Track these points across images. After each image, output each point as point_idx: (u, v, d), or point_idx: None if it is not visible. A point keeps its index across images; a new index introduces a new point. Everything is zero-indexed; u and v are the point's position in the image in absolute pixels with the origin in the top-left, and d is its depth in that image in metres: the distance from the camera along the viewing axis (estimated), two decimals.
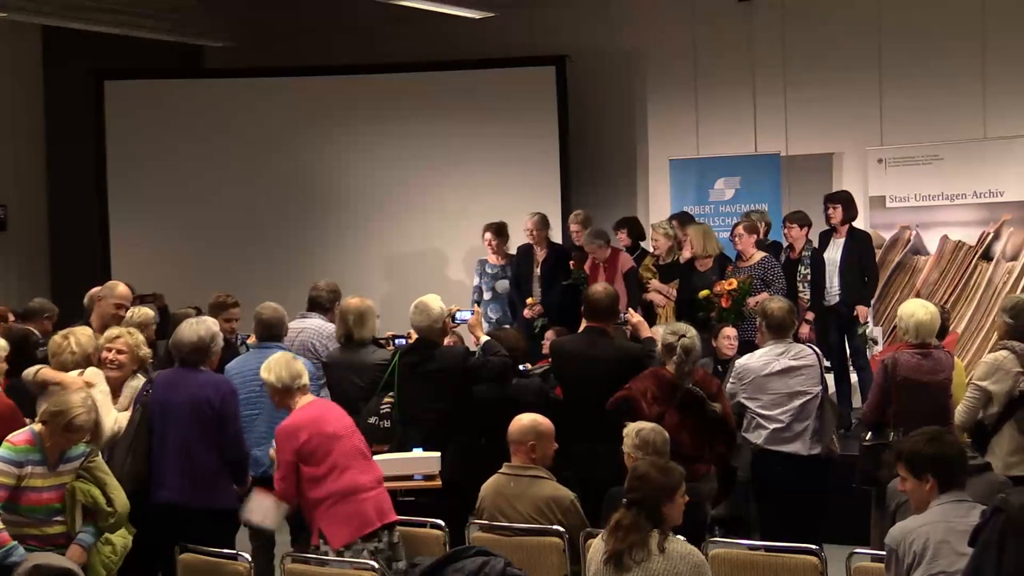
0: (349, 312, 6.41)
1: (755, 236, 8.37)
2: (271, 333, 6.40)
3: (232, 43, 11.88)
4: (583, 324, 6.35)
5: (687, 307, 8.31)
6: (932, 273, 9.61)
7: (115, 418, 5.61)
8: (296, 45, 11.81)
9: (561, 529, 5.20)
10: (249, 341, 6.83)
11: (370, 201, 11.32)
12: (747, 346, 7.49)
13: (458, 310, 6.75)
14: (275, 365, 5.41)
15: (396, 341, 6.76)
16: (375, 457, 5.80)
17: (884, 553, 4.21)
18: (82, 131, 11.23)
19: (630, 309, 7.37)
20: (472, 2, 10.42)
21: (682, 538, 4.30)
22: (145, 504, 5.40)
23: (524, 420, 5.46)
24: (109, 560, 5.24)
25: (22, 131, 11.31)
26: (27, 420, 5.54)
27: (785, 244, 8.78)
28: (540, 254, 9.36)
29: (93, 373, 5.73)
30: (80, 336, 5.86)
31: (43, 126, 11.52)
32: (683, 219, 9.35)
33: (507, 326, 8.68)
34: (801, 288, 8.42)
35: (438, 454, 5.85)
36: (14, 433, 5.17)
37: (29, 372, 5.79)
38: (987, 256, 9.43)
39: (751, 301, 7.87)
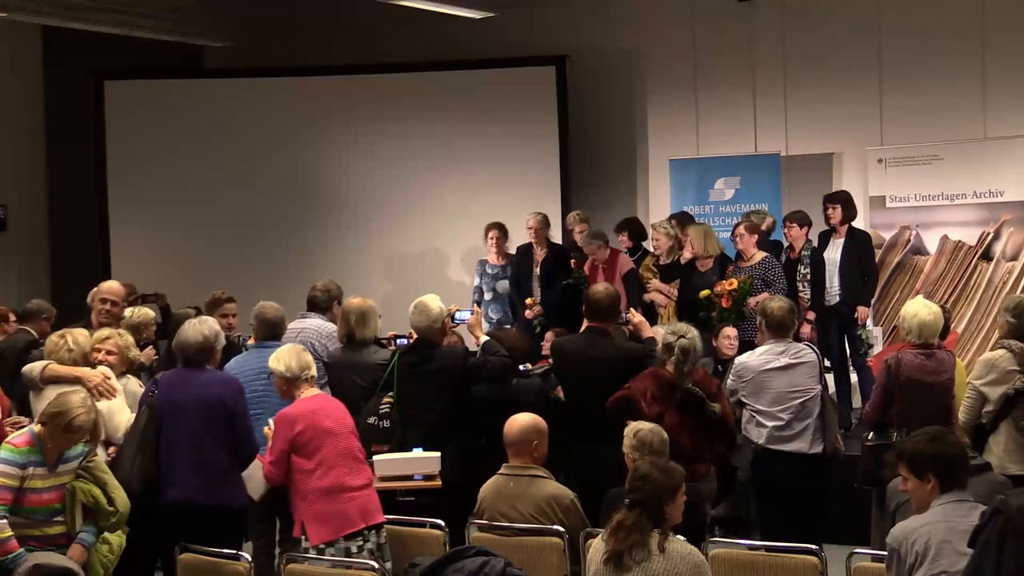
0: (351, 312, 6.41)
1: (756, 236, 8.37)
2: (274, 332, 6.43)
3: (232, 43, 11.88)
4: (584, 324, 6.35)
5: (688, 307, 8.31)
6: (932, 273, 9.61)
7: (129, 417, 5.61)
8: (296, 45, 11.81)
9: (561, 529, 5.20)
10: (249, 342, 6.83)
11: (370, 201, 11.32)
12: (747, 346, 7.48)
13: (457, 310, 6.75)
14: (285, 355, 5.49)
15: (398, 341, 6.76)
16: (375, 457, 5.83)
17: (885, 553, 4.20)
18: (82, 131, 11.23)
19: (631, 309, 7.36)
20: (472, 2, 10.42)
21: (682, 538, 4.30)
22: (153, 504, 5.40)
23: (523, 420, 5.46)
24: (106, 559, 5.25)
25: (22, 131, 11.31)
26: (25, 420, 5.56)
27: (785, 244, 8.78)
28: (540, 254, 9.37)
29: (109, 374, 5.75)
30: (77, 335, 5.87)
31: (43, 126, 11.51)
32: (683, 219, 9.35)
33: (508, 326, 8.69)
34: (801, 288, 8.42)
35: (438, 454, 5.85)
36: (14, 435, 5.18)
37: (35, 367, 5.76)
38: (987, 256, 9.43)
39: (752, 301, 7.87)
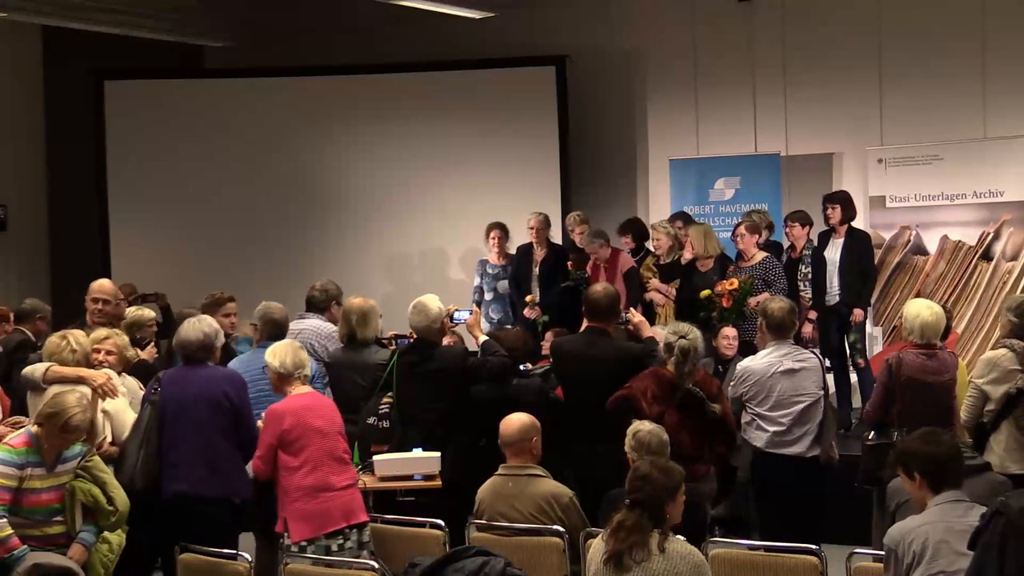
0: (352, 312, 6.42)
1: (756, 236, 8.37)
2: (280, 332, 6.46)
3: (232, 43, 11.88)
4: (583, 324, 6.35)
5: (687, 307, 8.31)
6: (932, 273, 9.61)
7: (133, 416, 5.62)
8: (296, 45, 11.81)
9: (561, 529, 5.20)
10: (239, 336, 6.85)
11: (370, 201, 11.31)
12: (747, 346, 7.50)
13: (456, 310, 6.75)
14: (281, 351, 5.53)
15: (399, 341, 6.76)
16: (375, 457, 5.84)
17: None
18: (82, 131, 11.23)
19: (631, 309, 7.36)
20: (472, 2, 10.42)
21: (682, 538, 4.30)
22: (155, 501, 5.41)
23: (521, 419, 5.47)
24: (107, 558, 5.26)
25: (22, 131, 11.30)
26: (25, 420, 5.56)
27: (787, 243, 8.78)
28: (539, 254, 9.37)
29: (114, 376, 5.74)
30: (78, 336, 5.87)
31: (43, 126, 11.51)
32: (683, 219, 9.36)
33: (508, 326, 8.68)
34: (802, 287, 8.42)
35: (438, 454, 5.85)
36: (12, 435, 5.18)
37: (37, 369, 5.75)
38: (987, 256, 9.43)
39: (752, 301, 7.87)
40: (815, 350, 6.45)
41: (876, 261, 9.23)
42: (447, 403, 6.12)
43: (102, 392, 5.53)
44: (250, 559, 5.19)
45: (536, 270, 9.33)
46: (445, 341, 6.52)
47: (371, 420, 6.13)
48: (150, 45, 11.30)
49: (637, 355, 6.08)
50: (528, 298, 9.18)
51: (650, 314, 8.45)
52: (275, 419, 5.40)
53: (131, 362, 6.05)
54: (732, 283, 8.00)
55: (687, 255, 8.76)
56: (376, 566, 4.98)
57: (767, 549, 5.00)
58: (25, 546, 4.95)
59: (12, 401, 6.05)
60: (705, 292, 8.15)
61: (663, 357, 5.88)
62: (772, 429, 6.05)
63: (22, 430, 5.21)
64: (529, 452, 5.41)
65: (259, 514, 5.69)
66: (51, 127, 11.53)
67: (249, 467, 5.52)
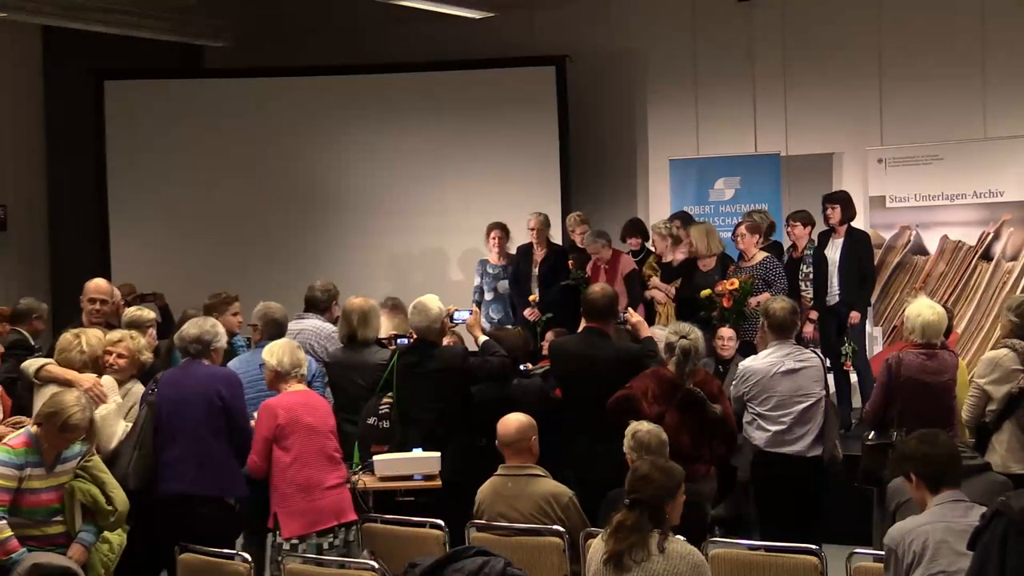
0: (352, 312, 6.42)
1: (757, 236, 8.37)
2: (280, 332, 6.48)
3: (232, 43, 11.87)
4: (582, 324, 6.35)
5: (687, 306, 8.31)
6: (932, 273, 9.60)
7: (124, 428, 5.61)
8: (296, 45, 11.81)
9: (561, 529, 5.20)
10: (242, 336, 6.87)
11: (370, 201, 11.31)
12: (747, 346, 7.49)
13: (456, 310, 6.74)
14: (279, 349, 5.60)
15: (399, 341, 6.76)
16: (375, 457, 5.84)
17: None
18: (82, 131, 11.23)
19: (629, 308, 7.36)
20: (472, 2, 10.42)
21: (682, 538, 4.29)
22: (151, 501, 5.42)
23: (519, 419, 5.47)
24: (107, 558, 5.27)
25: (22, 131, 11.30)
26: (25, 420, 5.55)
27: (788, 243, 8.78)
28: (539, 254, 9.37)
29: (109, 383, 5.72)
30: (91, 337, 5.85)
31: (43, 126, 11.50)
32: (683, 219, 9.36)
33: (509, 326, 8.68)
34: (804, 287, 8.42)
35: (438, 454, 5.85)
36: (11, 436, 5.17)
37: (32, 364, 5.74)
38: (987, 256, 9.43)
39: (752, 301, 7.87)
40: (816, 350, 6.44)
41: (876, 261, 9.24)
42: (447, 403, 6.12)
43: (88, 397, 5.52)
44: (250, 559, 5.19)
45: (536, 270, 9.33)
46: (445, 341, 6.51)
47: (371, 420, 6.13)
48: (150, 45, 11.29)
49: (636, 355, 6.08)
50: (532, 297, 9.18)
51: (651, 314, 8.45)
52: (269, 413, 5.44)
53: (145, 366, 5.96)
54: (733, 283, 8.00)
55: (678, 256, 8.78)
56: (376, 566, 4.98)
57: (767, 549, 5.00)
58: (24, 549, 4.95)
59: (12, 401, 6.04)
60: (706, 292, 8.16)
61: (662, 357, 5.88)
62: (773, 429, 6.05)
63: (22, 430, 5.20)
64: (528, 452, 5.42)
65: (246, 512, 5.70)
66: (51, 127, 11.53)
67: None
